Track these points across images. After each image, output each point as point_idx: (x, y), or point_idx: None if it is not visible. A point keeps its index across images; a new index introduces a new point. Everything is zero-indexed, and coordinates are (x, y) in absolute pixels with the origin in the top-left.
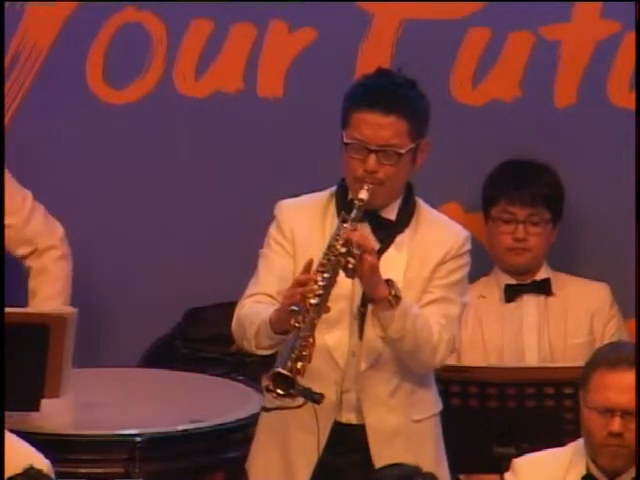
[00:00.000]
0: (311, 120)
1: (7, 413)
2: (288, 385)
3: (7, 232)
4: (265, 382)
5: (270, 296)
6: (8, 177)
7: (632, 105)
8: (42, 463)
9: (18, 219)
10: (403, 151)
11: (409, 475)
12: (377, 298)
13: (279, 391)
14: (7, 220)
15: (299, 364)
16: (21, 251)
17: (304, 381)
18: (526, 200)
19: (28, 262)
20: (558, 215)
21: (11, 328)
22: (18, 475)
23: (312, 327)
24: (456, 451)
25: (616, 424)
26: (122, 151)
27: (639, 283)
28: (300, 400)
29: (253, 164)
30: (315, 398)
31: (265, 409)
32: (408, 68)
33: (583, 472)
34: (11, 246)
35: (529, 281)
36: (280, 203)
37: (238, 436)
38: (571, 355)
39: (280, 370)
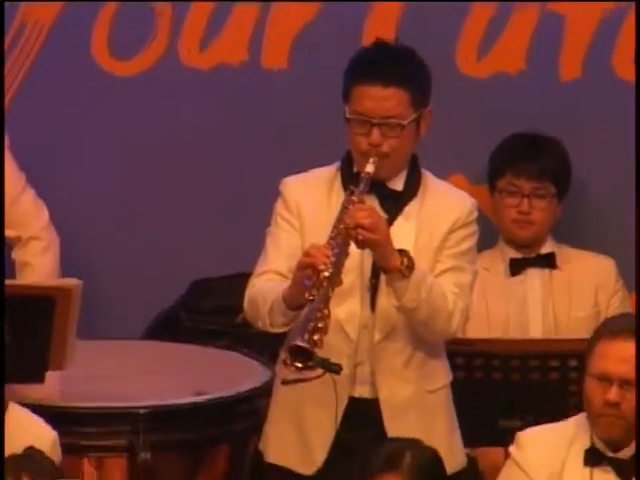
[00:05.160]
0: (316, 92)
1: (8, 386)
2: (306, 358)
3: None
4: (283, 356)
5: (280, 274)
6: (7, 156)
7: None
8: (49, 435)
9: (7, 198)
10: (406, 122)
11: (400, 449)
12: (389, 269)
13: (297, 364)
14: None
15: (316, 336)
16: (7, 233)
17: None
18: (533, 174)
19: (13, 254)
20: (564, 190)
21: (16, 300)
22: (18, 455)
23: (327, 299)
24: (461, 424)
25: (613, 393)
26: (127, 123)
27: (639, 257)
28: (318, 371)
29: (257, 136)
30: (334, 369)
31: (284, 382)
32: (414, 40)
33: (587, 445)
34: None
35: (534, 255)
36: (285, 180)
37: (243, 408)
38: (575, 328)
39: (298, 343)
